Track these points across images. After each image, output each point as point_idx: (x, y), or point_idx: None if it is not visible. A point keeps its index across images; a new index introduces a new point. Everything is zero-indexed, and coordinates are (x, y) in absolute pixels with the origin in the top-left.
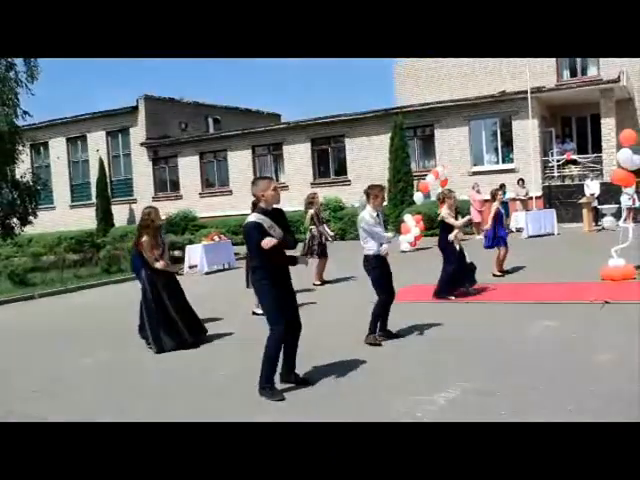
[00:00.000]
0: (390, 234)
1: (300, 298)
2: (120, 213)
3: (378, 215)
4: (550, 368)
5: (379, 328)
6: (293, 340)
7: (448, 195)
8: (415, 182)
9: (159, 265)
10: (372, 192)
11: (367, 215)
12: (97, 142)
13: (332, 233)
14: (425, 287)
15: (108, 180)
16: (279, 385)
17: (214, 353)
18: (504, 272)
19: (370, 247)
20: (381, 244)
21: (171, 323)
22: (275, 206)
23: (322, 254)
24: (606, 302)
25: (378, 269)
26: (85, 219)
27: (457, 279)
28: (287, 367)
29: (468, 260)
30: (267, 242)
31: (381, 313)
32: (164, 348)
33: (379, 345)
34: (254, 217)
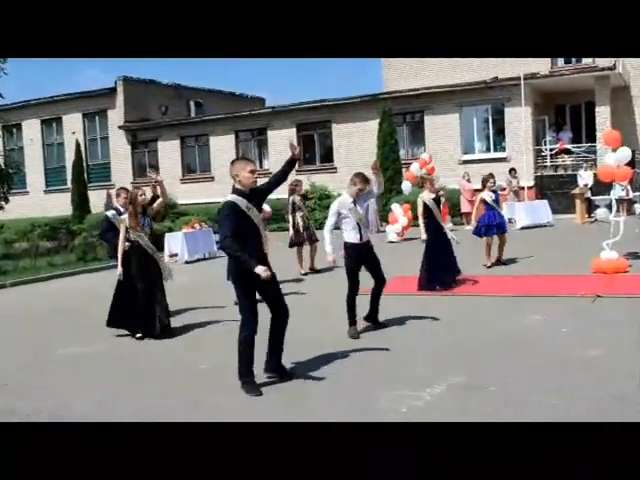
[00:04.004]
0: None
1: (287, 288)
2: (97, 199)
3: (354, 202)
4: (538, 363)
5: (366, 317)
6: (279, 328)
7: (426, 178)
8: (404, 170)
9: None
10: (350, 180)
11: (336, 201)
12: (73, 124)
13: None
14: (412, 279)
15: (85, 164)
16: (262, 375)
17: (195, 343)
18: (497, 263)
19: (345, 235)
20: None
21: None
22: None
23: (301, 242)
24: (598, 296)
25: (347, 258)
26: (60, 205)
27: (437, 270)
28: (273, 357)
29: (455, 251)
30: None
31: (350, 303)
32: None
33: (357, 339)
34: (230, 197)
